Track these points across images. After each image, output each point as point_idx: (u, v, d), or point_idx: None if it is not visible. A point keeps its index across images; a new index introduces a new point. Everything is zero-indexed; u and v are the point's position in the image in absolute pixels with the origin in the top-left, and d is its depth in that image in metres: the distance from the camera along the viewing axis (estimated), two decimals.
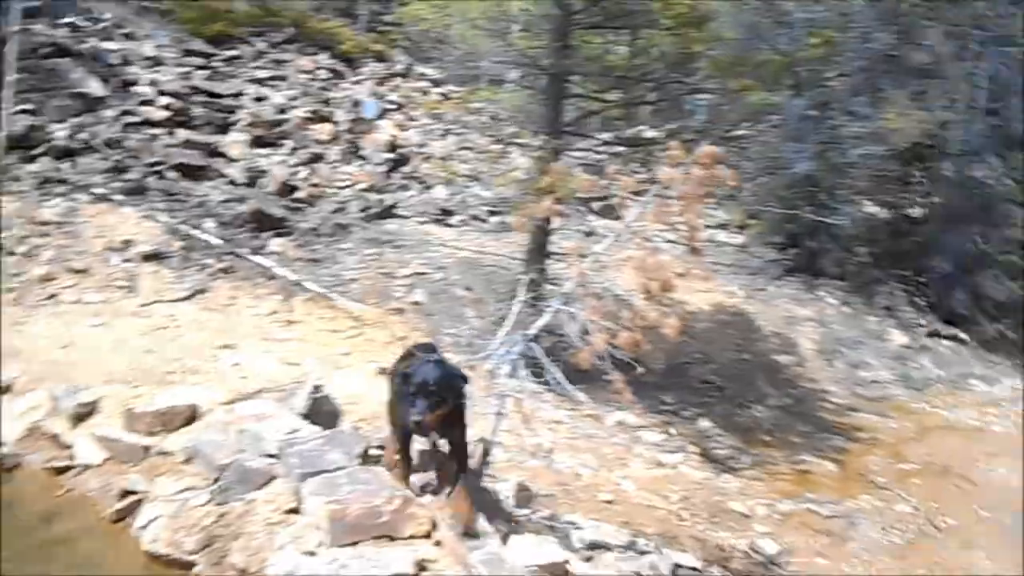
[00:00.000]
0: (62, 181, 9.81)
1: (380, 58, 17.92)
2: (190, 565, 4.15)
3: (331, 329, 8.94)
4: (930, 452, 10.66)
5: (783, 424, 11.05)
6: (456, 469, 4.32)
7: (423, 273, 11.05)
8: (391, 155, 14.70)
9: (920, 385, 13.80)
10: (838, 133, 14.99)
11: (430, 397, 3.92)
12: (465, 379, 4.25)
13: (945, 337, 15.74)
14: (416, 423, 3.93)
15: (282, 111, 14.12)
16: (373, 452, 4.85)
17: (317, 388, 5.30)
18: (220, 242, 9.77)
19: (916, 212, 17.70)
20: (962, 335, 15.88)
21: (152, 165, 11.05)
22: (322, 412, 5.21)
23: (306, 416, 5.07)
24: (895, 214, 17.83)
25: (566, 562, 4.41)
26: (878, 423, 11.71)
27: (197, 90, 13.32)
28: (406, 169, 14.76)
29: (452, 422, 4.18)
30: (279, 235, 10.73)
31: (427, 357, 4.42)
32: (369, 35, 18.57)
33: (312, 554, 3.82)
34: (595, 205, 13.93)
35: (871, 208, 17.67)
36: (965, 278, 16.27)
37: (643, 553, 5.87)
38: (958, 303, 16.19)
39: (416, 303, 10.16)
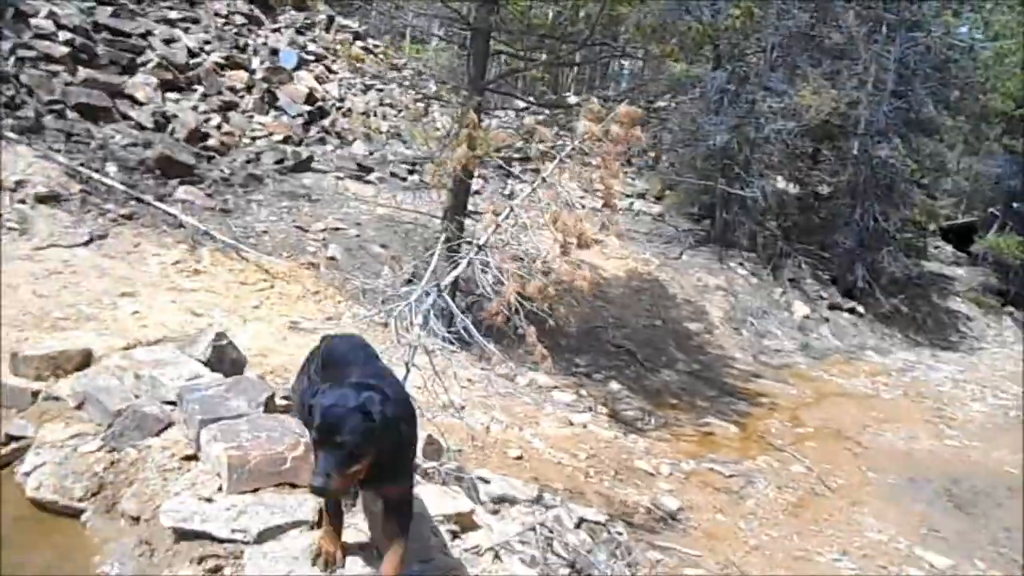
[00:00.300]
0: None
1: (300, 7, 17.27)
2: (78, 512, 3.96)
3: (240, 281, 8.65)
4: (825, 417, 11.22)
5: (690, 388, 11.40)
6: (394, 532, 3.11)
7: (339, 228, 10.82)
8: (309, 107, 14.27)
9: (819, 354, 14.47)
10: (755, 108, 15.36)
11: (338, 450, 2.69)
12: (398, 418, 2.89)
13: (844, 310, 16.53)
14: (317, 489, 2.72)
15: (194, 55, 13.47)
16: (280, 402, 4.73)
17: (220, 335, 5.11)
18: (123, 187, 9.29)
19: (824, 189, 18.40)
20: (859, 308, 16.71)
21: (50, 103, 10.39)
22: (226, 360, 5.03)
23: (208, 363, 4.89)
24: (805, 190, 18.51)
25: (472, 511, 4.42)
26: (779, 389, 12.22)
27: (101, 27, 12.55)
28: (324, 123, 14.37)
29: (382, 475, 2.90)
30: (188, 183, 10.28)
31: (346, 374, 3.12)
32: None
33: (209, 500, 3.70)
34: (517, 168, 13.89)
35: (782, 183, 18.27)
36: (865, 254, 17.07)
37: (549, 507, 5.96)
38: (858, 278, 17.00)
39: (331, 258, 9.94)
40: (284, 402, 4.74)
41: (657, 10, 9.75)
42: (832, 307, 16.39)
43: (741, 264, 16.27)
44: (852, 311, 16.54)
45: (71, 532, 3.95)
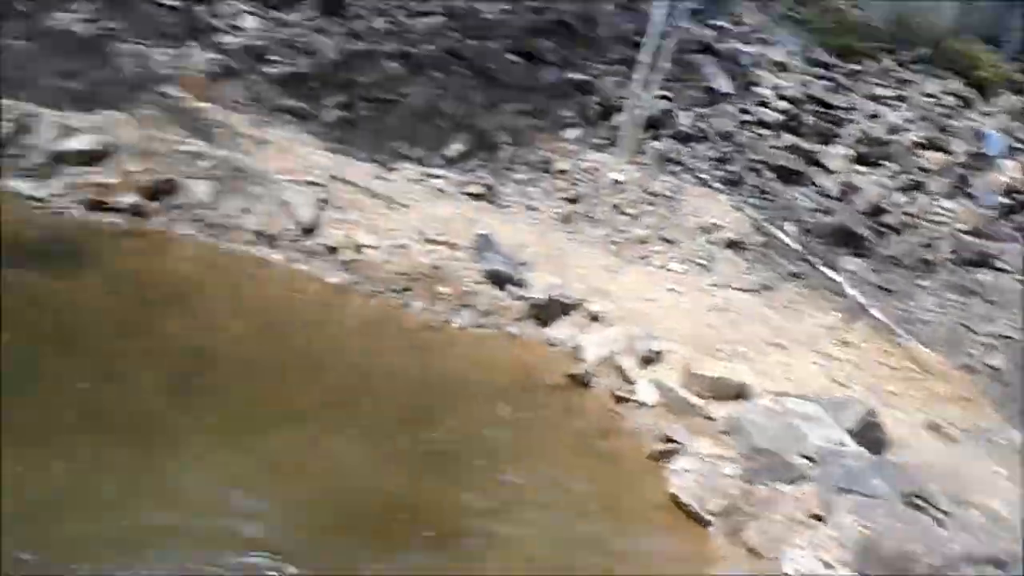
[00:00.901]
0: (676, 161, 10.92)
1: (1021, 91, 15.73)
2: (706, 523, 4.38)
3: (886, 363, 8.37)
4: None
5: None
6: None
7: (1010, 337, 9.57)
8: (1006, 200, 12.91)
9: None
10: None
11: None
12: None
13: None
14: None
15: (892, 131, 13.45)
16: (918, 503, 4.44)
17: (871, 412, 5.04)
18: (798, 247, 9.86)
19: None
20: None
21: (753, 162, 11.60)
22: (869, 437, 4.94)
23: (852, 434, 4.87)
24: None
25: None
26: None
27: (812, 99, 13.46)
28: (1020, 218, 12.83)
29: None
30: (856, 255, 10.38)
31: None
32: (1014, 64, 16.37)
33: (830, 567, 3.70)
34: None
35: None
36: None
37: None
38: None
39: (993, 367, 8.87)
40: (923, 503, 4.44)
41: None
42: None
43: None
44: None
45: (696, 537, 4.39)
